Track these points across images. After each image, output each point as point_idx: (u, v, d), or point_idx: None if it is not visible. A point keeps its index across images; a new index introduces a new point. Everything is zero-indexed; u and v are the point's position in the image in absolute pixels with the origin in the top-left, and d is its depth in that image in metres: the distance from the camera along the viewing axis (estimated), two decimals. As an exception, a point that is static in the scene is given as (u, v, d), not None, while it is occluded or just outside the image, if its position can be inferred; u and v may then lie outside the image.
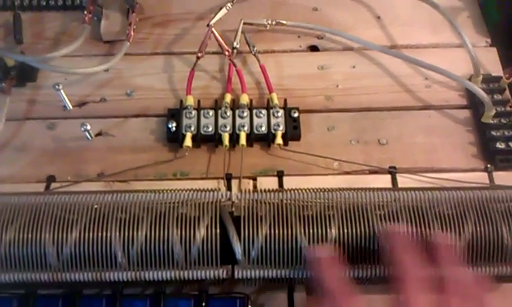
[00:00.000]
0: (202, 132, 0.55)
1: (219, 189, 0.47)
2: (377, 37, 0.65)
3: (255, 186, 0.53)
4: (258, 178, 0.53)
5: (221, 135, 0.55)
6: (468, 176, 0.52)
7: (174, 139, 0.55)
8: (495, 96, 0.57)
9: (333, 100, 0.59)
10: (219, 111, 0.56)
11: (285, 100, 0.57)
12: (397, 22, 0.67)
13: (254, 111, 0.56)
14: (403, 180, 0.52)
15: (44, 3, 0.67)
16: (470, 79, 0.59)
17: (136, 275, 0.43)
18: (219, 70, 0.62)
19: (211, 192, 0.46)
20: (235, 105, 0.57)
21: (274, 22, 0.64)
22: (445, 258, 0.40)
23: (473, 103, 0.58)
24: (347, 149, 0.56)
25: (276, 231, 0.43)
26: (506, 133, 0.55)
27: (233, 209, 0.45)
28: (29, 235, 0.42)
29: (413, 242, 0.42)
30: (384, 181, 0.53)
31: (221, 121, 0.55)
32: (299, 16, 0.66)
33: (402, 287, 0.38)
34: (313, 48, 0.65)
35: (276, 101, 0.57)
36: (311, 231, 0.43)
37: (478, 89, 0.55)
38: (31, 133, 0.57)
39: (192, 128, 0.55)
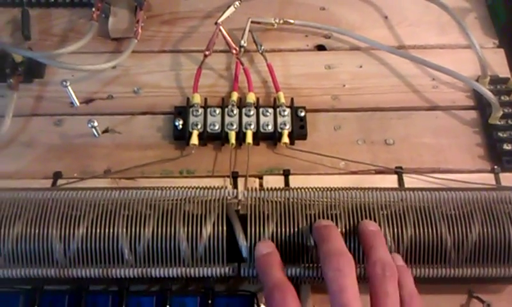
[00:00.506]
0: (209, 130, 0.55)
1: (226, 187, 0.47)
2: (385, 37, 0.65)
3: (261, 184, 0.53)
4: (265, 177, 0.53)
5: (227, 133, 0.55)
6: (475, 177, 0.52)
7: (180, 137, 0.55)
8: (502, 98, 0.57)
9: (340, 100, 0.59)
10: (226, 109, 0.56)
11: (292, 99, 0.57)
12: (405, 22, 0.66)
13: (260, 110, 0.56)
14: (410, 180, 0.52)
15: (52, 0, 0.67)
16: (477, 80, 0.59)
17: (143, 272, 0.43)
18: (226, 68, 0.62)
19: (217, 190, 0.46)
20: (241, 104, 0.57)
21: (281, 21, 0.64)
22: (371, 243, 0.41)
23: (481, 105, 0.58)
24: (354, 148, 0.56)
25: (283, 230, 0.43)
26: (513, 134, 0.55)
27: (240, 207, 0.45)
28: (36, 231, 0.42)
29: (335, 231, 0.42)
30: (390, 181, 0.53)
31: (227, 119, 0.55)
32: (307, 16, 0.66)
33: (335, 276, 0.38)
34: (321, 48, 0.64)
35: (282, 100, 0.57)
36: (317, 230, 0.43)
37: (485, 90, 0.55)
38: (38, 129, 0.57)
39: (199, 126, 0.55)
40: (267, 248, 0.42)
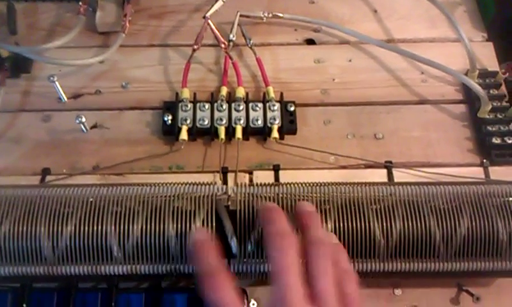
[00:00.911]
0: (198, 125, 0.55)
1: (215, 183, 0.46)
2: (374, 31, 0.65)
3: (251, 180, 0.53)
4: (254, 172, 0.53)
5: (217, 128, 0.54)
6: (464, 171, 0.52)
7: (170, 132, 0.55)
8: (491, 91, 0.57)
9: (330, 94, 0.59)
10: (215, 104, 0.56)
11: (282, 94, 0.57)
12: (394, 15, 0.66)
13: (250, 104, 0.56)
14: (399, 175, 0.53)
15: (38, -7, 0.66)
16: (466, 74, 0.59)
17: (132, 269, 0.43)
18: (215, 62, 0.62)
19: (207, 186, 0.46)
20: (231, 98, 0.57)
21: (270, 15, 0.64)
22: (307, 223, 0.41)
23: (470, 98, 0.58)
24: (343, 143, 0.56)
25: (272, 225, 0.43)
26: (502, 128, 0.55)
27: (229, 203, 0.45)
28: (24, 228, 0.42)
29: (280, 214, 0.41)
30: (380, 175, 0.53)
31: (217, 114, 0.55)
32: (296, 9, 0.66)
33: (275, 257, 0.38)
34: (310, 42, 0.64)
35: (272, 94, 0.57)
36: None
37: (474, 84, 0.55)
38: (25, 125, 0.56)
39: (188, 121, 0.54)
40: (200, 236, 0.42)
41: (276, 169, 0.53)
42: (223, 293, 0.38)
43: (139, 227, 0.42)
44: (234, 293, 0.38)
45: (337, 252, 0.40)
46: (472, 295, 0.47)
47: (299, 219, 0.42)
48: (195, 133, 0.55)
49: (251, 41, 0.61)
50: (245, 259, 0.43)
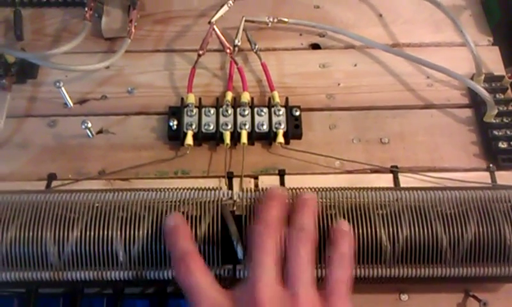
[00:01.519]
0: (203, 130, 0.54)
1: (221, 188, 0.46)
2: (379, 35, 0.64)
3: (256, 185, 0.52)
4: (260, 177, 0.53)
5: (222, 133, 0.54)
6: (470, 176, 0.52)
7: (175, 137, 0.55)
8: (497, 96, 0.57)
9: (335, 99, 0.59)
10: (221, 109, 0.56)
11: (287, 99, 0.57)
12: (399, 20, 0.66)
13: (255, 109, 0.56)
14: (405, 179, 0.52)
15: (45, 0, 0.66)
16: (472, 78, 0.58)
17: (137, 275, 0.43)
18: (221, 67, 0.62)
19: (212, 191, 0.46)
20: (236, 103, 0.57)
21: (275, 20, 0.63)
22: (299, 209, 0.42)
23: (476, 103, 0.58)
24: (349, 148, 0.55)
25: (278, 230, 0.43)
26: (508, 132, 0.55)
27: (235, 208, 0.45)
28: (30, 234, 0.42)
29: (278, 203, 0.42)
30: (386, 180, 0.52)
31: (222, 119, 0.55)
32: (301, 14, 0.65)
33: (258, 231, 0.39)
34: (315, 46, 0.64)
35: (277, 99, 0.57)
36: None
37: (480, 88, 0.55)
38: (31, 130, 0.56)
39: (194, 127, 0.54)
40: (174, 221, 0.42)
41: (282, 174, 0.53)
42: (197, 277, 0.38)
43: (145, 232, 0.42)
44: (209, 276, 0.38)
45: (342, 238, 0.41)
46: (479, 300, 0.47)
47: (294, 206, 0.42)
48: (200, 138, 0.55)
49: (256, 46, 0.61)
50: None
